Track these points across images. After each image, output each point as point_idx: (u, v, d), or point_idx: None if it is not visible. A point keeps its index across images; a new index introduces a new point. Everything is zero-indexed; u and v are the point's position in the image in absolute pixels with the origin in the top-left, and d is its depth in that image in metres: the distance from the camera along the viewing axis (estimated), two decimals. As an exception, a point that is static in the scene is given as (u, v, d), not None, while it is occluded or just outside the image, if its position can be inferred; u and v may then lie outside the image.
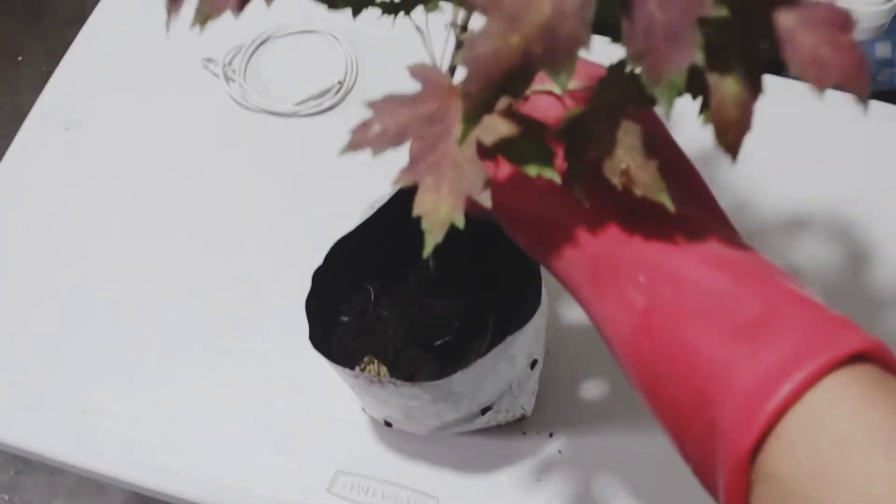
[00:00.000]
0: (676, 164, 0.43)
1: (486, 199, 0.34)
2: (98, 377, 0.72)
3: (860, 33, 0.85)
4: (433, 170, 0.35)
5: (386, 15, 0.43)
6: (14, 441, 0.69)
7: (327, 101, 0.84)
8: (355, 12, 0.43)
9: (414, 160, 0.35)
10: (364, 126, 0.35)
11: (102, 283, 0.76)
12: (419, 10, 0.42)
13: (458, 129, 0.34)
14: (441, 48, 0.42)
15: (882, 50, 1.16)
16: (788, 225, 0.77)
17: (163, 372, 0.72)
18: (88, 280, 0.76)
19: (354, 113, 0.85)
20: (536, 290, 0.57)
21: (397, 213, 0.58)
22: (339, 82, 0.85)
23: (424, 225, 0.34)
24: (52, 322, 0.74)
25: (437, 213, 0.34)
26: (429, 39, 0.42)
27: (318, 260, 0.58)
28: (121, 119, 0.85)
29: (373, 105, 0.36)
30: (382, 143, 0.35)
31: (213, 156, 0.82)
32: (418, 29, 0.43)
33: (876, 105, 0.83)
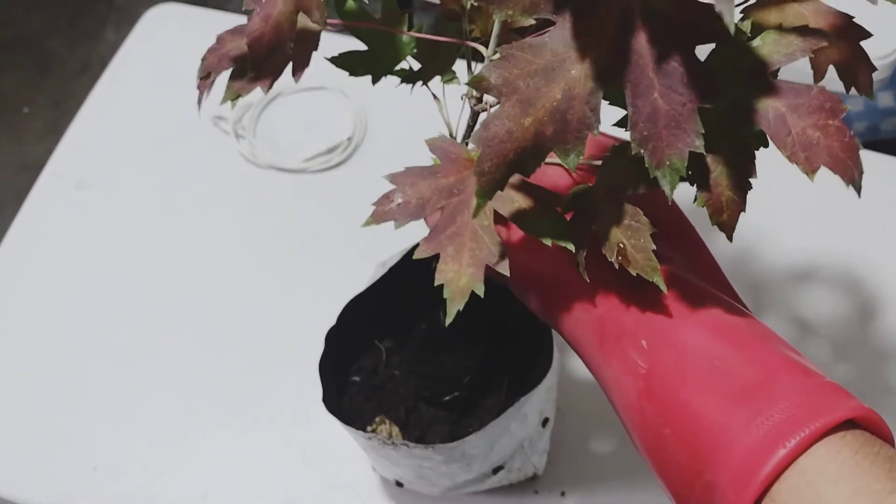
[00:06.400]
0: (681, 234, 0.44)
1: (504, 268, 0.35)
2: (109, 438, 0.71)
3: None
4: (453, 240, 0.35)
5: (404, 84, 0.44)
6: (24, 498, 0.69)
7: (336, 157, 0.85)
8: (375, 80, 0.44)
9: (435, 231, 0.36)
10: (386, 198, 0.36)
11: (113, 340, 0.76)
12: (436, 80, 0.43)
13: (474, 202, 0.34)
14: (456, 116, 0.43)
15: (885, 100, 1.17)
16: (794, 275, 0.77)
17: (173, 433, 0.71)
18: (99, 336, 0.76)
19: (363, 169, 0.87)
20: (548, 349, 0.57)
21: (408, 271, 0.58)
22: (349, 138, 0.86)
23: (446, 293, 0.35)
24: (65, 381, 0.74)
25: (459, 283, 0.35)
26: (445, 108, 0.43)
27: (328, 319, 0.58)
28: (132, 178, 0.86)
29: (394, 177, 0.36)
30: (404, 214, 0.36)
31: (223, 213, 0.83)
32: (435, 97, 0.43)
33: (877, 157, 0.84)
